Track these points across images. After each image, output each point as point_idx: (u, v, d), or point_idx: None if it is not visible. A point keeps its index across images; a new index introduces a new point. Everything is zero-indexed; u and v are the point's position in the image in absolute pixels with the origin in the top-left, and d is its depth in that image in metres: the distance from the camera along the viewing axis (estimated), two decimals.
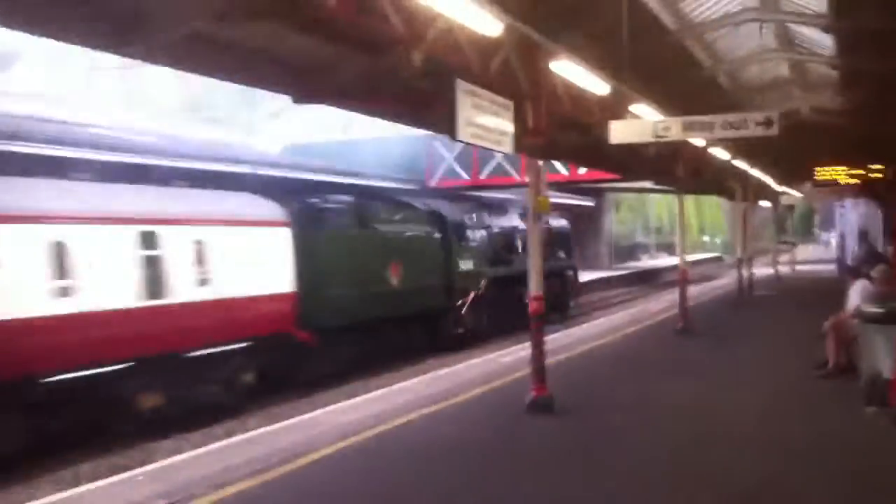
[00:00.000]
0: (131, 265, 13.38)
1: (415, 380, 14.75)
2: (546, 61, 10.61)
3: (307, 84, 11.56)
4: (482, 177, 34.23)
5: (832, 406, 10.44)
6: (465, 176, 34.46)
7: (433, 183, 34.82)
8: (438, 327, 21.95)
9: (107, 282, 12.93)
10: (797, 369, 12.86)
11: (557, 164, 31.41)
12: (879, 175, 24.40)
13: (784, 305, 25.14)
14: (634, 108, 13.12)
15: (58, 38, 8.54)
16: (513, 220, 27.64)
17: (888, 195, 26.99)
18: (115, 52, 9.48)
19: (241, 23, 8.45)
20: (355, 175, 30.48)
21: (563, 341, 17.87)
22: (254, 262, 15.64)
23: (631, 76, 12.42)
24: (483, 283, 23.60)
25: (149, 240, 13.71)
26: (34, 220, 12.04)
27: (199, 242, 14.59)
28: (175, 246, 14.10)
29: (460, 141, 9.20)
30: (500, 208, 28.57)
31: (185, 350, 14.22)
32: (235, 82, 13.38)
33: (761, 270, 39.03)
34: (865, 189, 30.65)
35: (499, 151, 10.97)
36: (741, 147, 22.02)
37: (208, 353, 14.64)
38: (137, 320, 13.31)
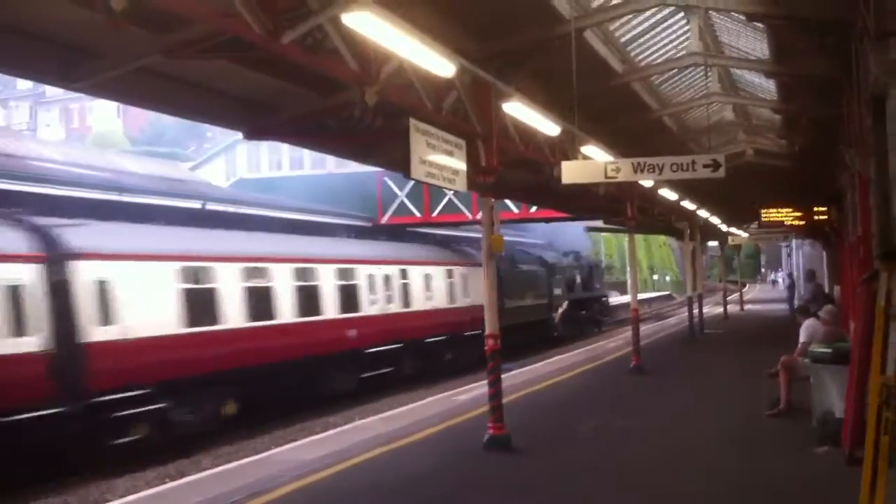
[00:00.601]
0: (423, 287, 25.07)
1: (375, 417, 14.65)
2: (498, 102, 10.70)
3: (259, 120, 11.55)
4: (434, 214, 34.38)
5: (784, 445, 10.48)
6: (416, 213, 34.54)
7: (385, 220, 34.83)
8: (545, 329, 34.16)
9: (422, 295, 24.96)
10: (749, 408, 12.94)
11: (509, 202, 31.67)
12: (824, 217, 24.86)
13: (734, 344, 25.43)
14: (585, 149, 13.27)
15: (7, 73, 8.44)
16: (571, 261, 40.26)
17: (833, 236, 27.55)
18: (64, 87, 9.37)
19: (192, 59, 8.39)
20: (311, 212, 30.54)
21: (520, 378, 17.90)
22: (475, 287, 26.14)
23: (581, 117, 12.58)
24: (565, 303, 36.48)
25: (427, 275, 25.55)
26: (420, 263, 25.30)
27: (464, 276, 27.53)
28: (438, 277, 26.19)
29: (414, 179, 9.21)
30: (566, 254, 40.95)
31: (451, 334, 25.99)
32: (186, 118, 13.31)
33: (710, 309, 39.52)
34: (811, 230, 31.25)
35: (451, 189, 11.00)
36: (689, 188, 22.38)
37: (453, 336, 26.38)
38: (432, 316, 25.38)
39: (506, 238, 31.40)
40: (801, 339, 12.43)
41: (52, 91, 74.40)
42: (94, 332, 13.58)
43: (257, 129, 11.74)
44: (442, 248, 29.48)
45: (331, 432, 13.47)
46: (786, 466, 9.46)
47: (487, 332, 10.93)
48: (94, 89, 9.10)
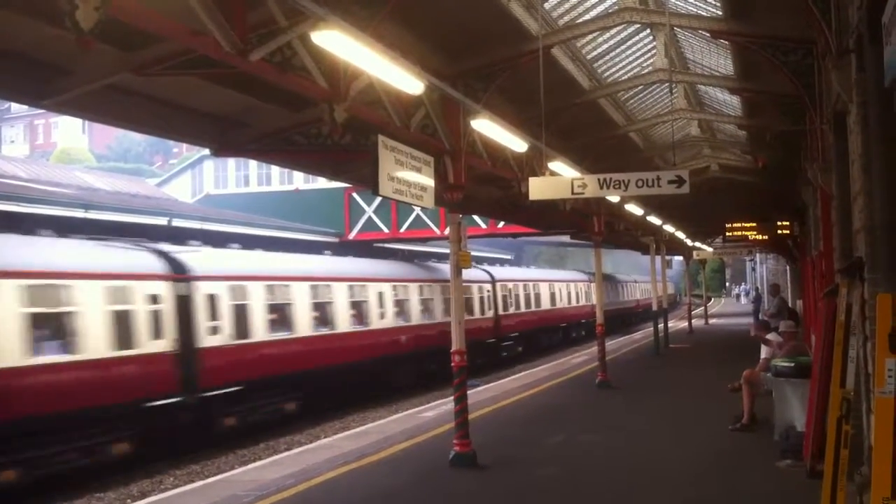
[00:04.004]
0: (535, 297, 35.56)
1: (340, 435, 14.58)
2: (466, 119, 10.77)
3: (228, 137, 11.53)
4: (402, 230, 34.43)
5: (747, 459, 10.61)
6: (384, 228, 34.58)
7: (352, 235, 34.82)
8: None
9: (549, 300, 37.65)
10: (712, 422, 13.10)
11: (476, 218, 31.79)
12: (786, 231, 25.16)
13: (698, 358, 25.62)
14: (553, 165, 13.38)
15: None
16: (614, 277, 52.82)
17: (796, 251, 27.91)
18: (32, 104, 9.32)
19: (161, 76, 8.39)
20: (278, 227, 30.42)
21: (487, 394, 17.92)
22: (579, 294, 41.94)
23: (549, 133, 12.69)
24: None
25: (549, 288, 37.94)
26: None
27: (585, 285, 42.96)
28: (564, 290, 40.01)
29: (382, 196, 9.24)
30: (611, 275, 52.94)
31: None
32: (155, 135, 13.25)
33: (675, 324, 39.79)
34: (774, 245, 31.63)
35: (419, 206, 11.04)
36: (655, 203, 22.59)
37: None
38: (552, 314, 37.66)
39: (473, 252, 31.86)
40: (763, 354, 12.59)
41: (16, 107, 73.61)
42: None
43: (226, 145, 11.72)
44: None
45: (295, 450, 13.42)
46: (748, 480, 9.57)
47: (454, 348, 10.86)
48: (62, 107, 9.05)
